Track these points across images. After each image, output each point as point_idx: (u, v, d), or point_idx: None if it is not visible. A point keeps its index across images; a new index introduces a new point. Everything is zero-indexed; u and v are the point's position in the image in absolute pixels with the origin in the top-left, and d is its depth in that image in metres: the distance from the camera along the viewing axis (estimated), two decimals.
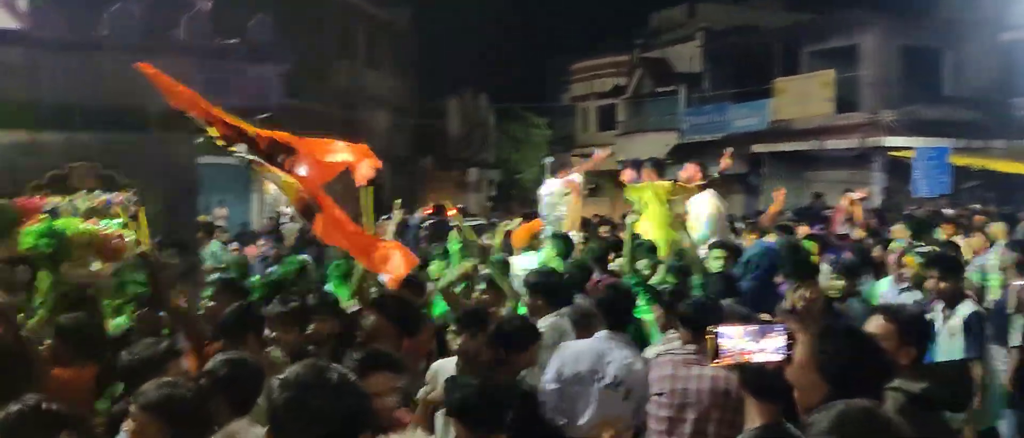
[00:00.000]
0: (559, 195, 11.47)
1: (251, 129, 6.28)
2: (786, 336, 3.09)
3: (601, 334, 5.45)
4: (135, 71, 6.54)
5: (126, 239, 7.85)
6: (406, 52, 38.35)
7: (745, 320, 3.38)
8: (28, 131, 13.38)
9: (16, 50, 11.68)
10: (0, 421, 3.38)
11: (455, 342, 5.32)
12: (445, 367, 5.24)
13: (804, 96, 27.68)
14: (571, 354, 5.37)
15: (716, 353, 3.11)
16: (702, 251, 8.89)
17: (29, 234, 7.79)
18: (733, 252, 8.89)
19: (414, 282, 7.26)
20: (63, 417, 3.47)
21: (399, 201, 8.88)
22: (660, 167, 11.84)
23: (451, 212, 10.72)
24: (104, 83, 10.66)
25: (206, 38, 12.43)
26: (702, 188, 10.70)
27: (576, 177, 11.74)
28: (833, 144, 26.90)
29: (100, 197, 10.44)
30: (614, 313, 5.51)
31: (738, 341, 3.08)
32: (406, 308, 5.70)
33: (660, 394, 4.98)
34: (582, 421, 5.11)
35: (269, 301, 6.24)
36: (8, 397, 3.54)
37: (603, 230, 14.09)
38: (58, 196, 11.18)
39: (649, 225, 9.83)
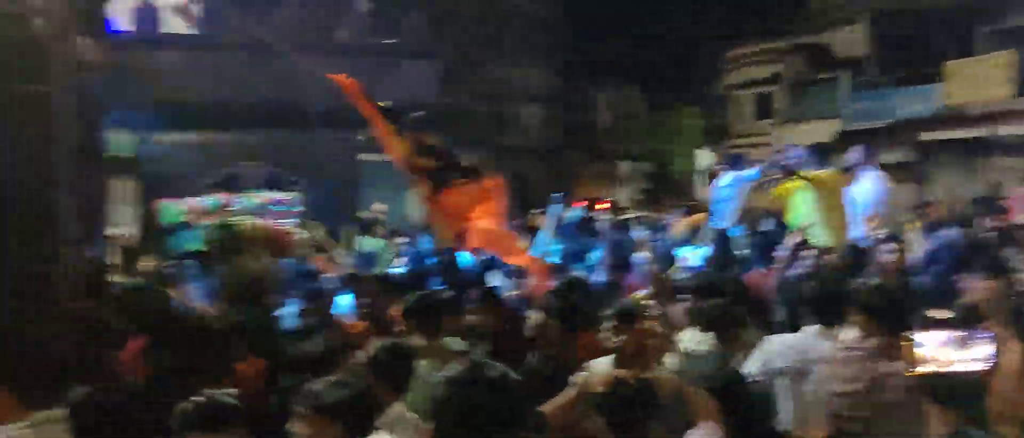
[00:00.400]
0: (732, 188, 11.02)
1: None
2: (992, 343, 2.83)
3: (810, 329, 5.25)
4: (299, 71, 6.72)
5: (296, 235, 8.10)
6: (556, 44, 38.33)
7: (942, 324, 3.11)
8: (201, 132, 14.11)
9: (189, 55, 12.29)
10: (181, 412, 3.48)
11: (611, 339, 5.18)
12: (598, 366, 5.12)
13: (979, 79, 26.04)
14: (777, 348, 5.21)
15: (913, 360, 2.87)
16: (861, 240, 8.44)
17: (207, 229, 8.17)
18: (908, 245, 8.40)
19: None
20: (239, 411, 3.54)
21: (555, 195, 8.77)
22: (824, 155, 11.32)
23: (601, 206, 10.57)
24: (270, 84, 11.05)
25: (364, 38, 12.74)
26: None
27: (754, 172, 11.24)
28: (1011, 130, 25.21)
29: (269, 194, 10.87)
30: (823, 309, 5.26)
31: (938, 348, 2.83)
32: (572, 305, 5.58)
33: (846, 391, 4.70)
34: (786, 416, 4.95)
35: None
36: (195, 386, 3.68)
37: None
38: (230, 193, 11.72)
39: (818, 216, 9.40)
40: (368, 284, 6.99)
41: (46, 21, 5.03)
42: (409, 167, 6.32)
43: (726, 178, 11.39)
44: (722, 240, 8.71)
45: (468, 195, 6.32)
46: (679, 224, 10.50)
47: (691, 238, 9.87)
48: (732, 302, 5.61)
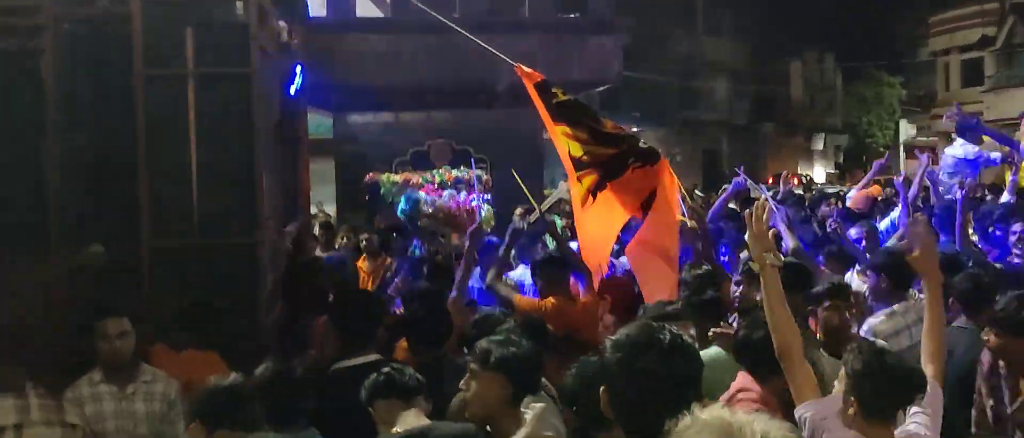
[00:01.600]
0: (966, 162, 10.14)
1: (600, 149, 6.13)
2: None
3: (959, 322, 4.80)
4: (484, 50, 6.72)
5: (481, 211, 8.21)
6: (746, 15, 37.13)
7: None
8: (391, 112, 14.63)
9: (381, 37, 12.69)
10: (372, 382, 3.58)
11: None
12: None
13: None
14: None
15: None
16: None
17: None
18: None
19: None
20: (422, 383, 3.63)
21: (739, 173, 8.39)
22: None
23: (793, 181, 10.06)
24: (457, 63, 11.24)
25: (549, 14, 12.75)
26: None
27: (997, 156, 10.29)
28: None
29: (455, 172, 11.12)
30: (972, 303, 4.81)
31: None
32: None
33: None
34: None
35: None
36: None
37: None
38: (419, 172, 12.08)
39: None
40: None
41: (248, 6, 5.27)
42: (579, 162, 6.06)
43: (957, 147, 10.51)
44: (946, 215, 7.89)
45: (641, 182, 6.02)
46: (857, 197, 9.86)
47: (872, 211, 9.27)
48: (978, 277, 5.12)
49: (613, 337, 2.67)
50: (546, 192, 13.13)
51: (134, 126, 5.26)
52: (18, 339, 4.72)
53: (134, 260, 5.30)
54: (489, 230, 8.56)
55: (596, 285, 5.80)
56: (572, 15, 12.99)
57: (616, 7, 13.70)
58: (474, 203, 8.61)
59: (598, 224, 6.17)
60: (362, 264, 8.69)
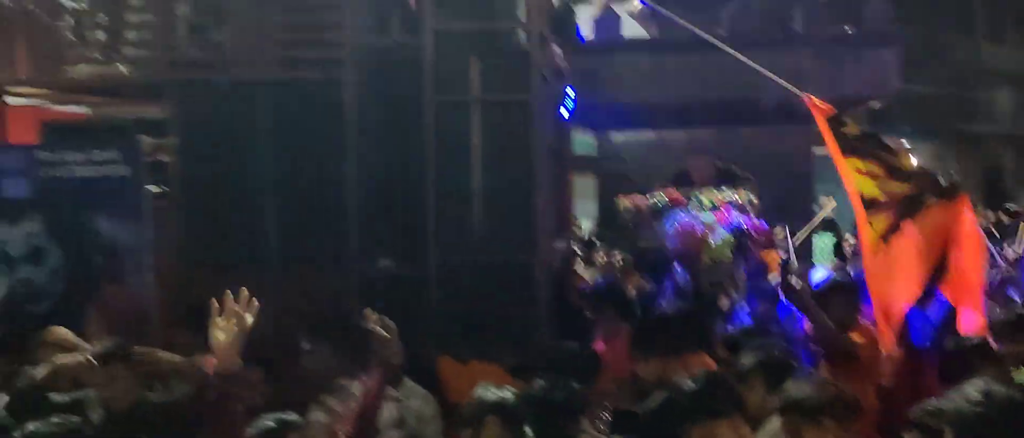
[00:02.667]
0: None
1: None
2: None
3: None
4: (749, 67, 6.56)
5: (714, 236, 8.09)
6: None
7: None
8: (654, 130, 14.65)
9: (645, 56, 12.76)
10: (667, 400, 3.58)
11: None
12: None
13: None
14: None
15: None
16: None
17: None
18: None
19: None
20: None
21: None
22: None
23: None
24: (722, 80, 11.08)
25: (821, 27, 12.30)
26: None
27: None
28: None
29: (719, 193, 10.93)
30: None
31: None
32: None
33: None
34: None
35: None
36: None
37: None
38: (682, 190, 11.98)
39: None
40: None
41: (528, 34, 5.50)
42: (871, 203, 5.65)
43: None
44: None
45: (940, 221, 5.53)
46: None
47: None
48: None
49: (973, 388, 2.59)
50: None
51: (423, 150, 5.63)
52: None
53: (420, 276, 5.66)
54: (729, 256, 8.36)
55: (889, 343, 5.42)
56: (846, 27, 12.44)
57: (895, 15, 12.98)
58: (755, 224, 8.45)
59: (892, 275, 5.69)
60: None
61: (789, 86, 6.01)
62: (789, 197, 7.34)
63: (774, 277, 7.14)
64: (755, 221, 8.54)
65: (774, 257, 8.03)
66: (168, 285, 5.92)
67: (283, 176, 6.06)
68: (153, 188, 6.22)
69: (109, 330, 5.07)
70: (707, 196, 11.08)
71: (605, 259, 9.77)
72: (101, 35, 6.88)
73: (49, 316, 5.51)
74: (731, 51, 6.75)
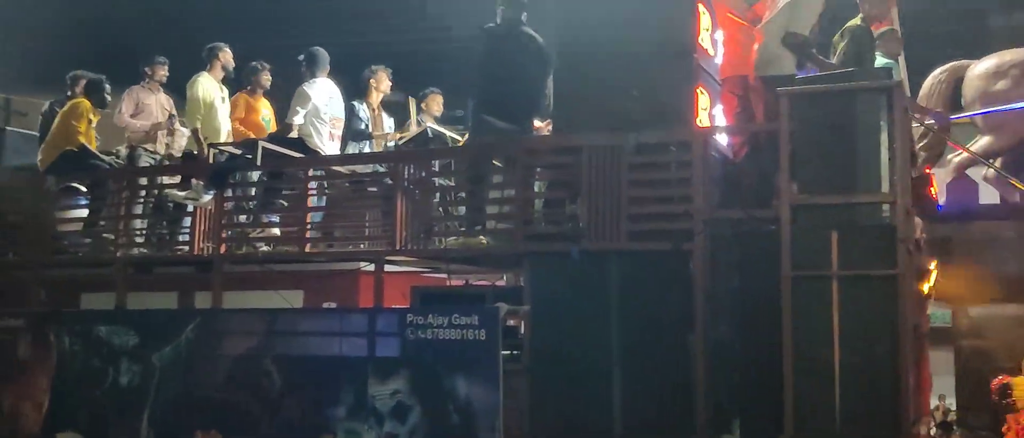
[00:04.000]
0: None
1: None
2: None
3: None
4: None
5: None
6: None
7: None
8: (1021, 304, 13.29)
9: (1007, 224, 11.75)
10: None
11: None
12: None
13: None
14: None
15: None
16: None
17: None
18: None
19: None
20: None
21: None
22: None
23: None
24: None
25: None
26: None
27: None
28: None
29: None
30: None
31: None
32: None
33: None
34: None
35: None
36: None
37: None
38: None
39: None
40: None
41: (895, 208, 5.28)
42: None
43: None
44: None
45: None
46: None
47: None
48: None
49: None
50: None
51: (778, 324, 5.47)
52: None
53: None
54: None
55: None
56: None
57: None
58: None
59: None
60: None
61: None
62: None
63: None
64: None
65: None
66: None
67: (631, 345, 6.13)
68: (506, 353, 6.51)
69: None
70: None
71: None
72: (465, 210, 7.52)
73: None
74: None
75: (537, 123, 7.75)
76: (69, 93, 9.33)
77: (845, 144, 5.58)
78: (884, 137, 5.52)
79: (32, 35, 14.21)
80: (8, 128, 12.11)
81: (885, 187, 5.46)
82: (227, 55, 9.01)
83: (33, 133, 10.34)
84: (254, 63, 9.20)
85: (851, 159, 5.55)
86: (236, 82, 9.23)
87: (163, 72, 9.23)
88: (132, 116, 8.99)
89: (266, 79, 9.15)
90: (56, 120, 8.94)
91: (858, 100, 5.66)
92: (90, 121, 8.79)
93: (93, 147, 8.87)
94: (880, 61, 7.91)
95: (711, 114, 6.60)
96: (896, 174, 5.44)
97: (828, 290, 5.37)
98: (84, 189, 8.81)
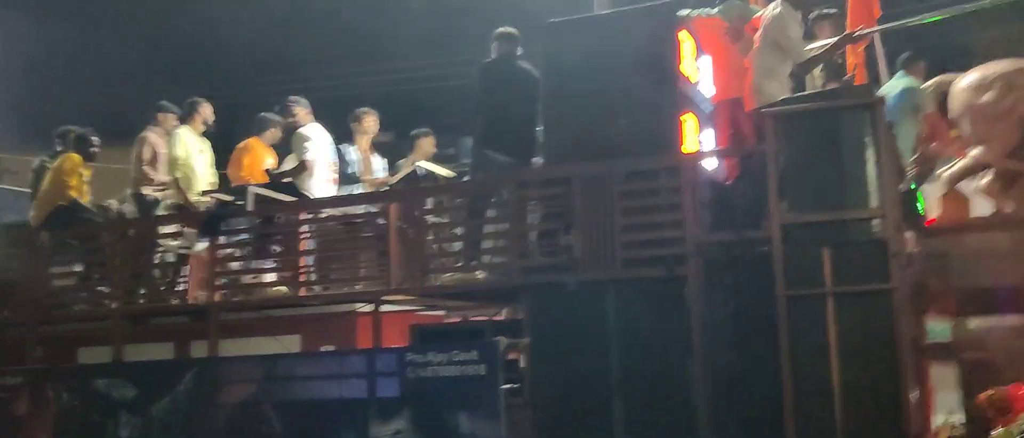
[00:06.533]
0: None
1: None
2: None
3: None
4: None
5: None
6: None
7: None
8: (1021, 314, 13.25)
9: (1003, 235, 11.72)
10: None
11: None
12: None
13: None
14: None
15: None
16: None
17: None
18: None
19: None
20: None
21: None
22: None
23: None
24: None
25: None
26: None
27: None
28: None
29: None
30: None
31: None
32: None
33: None
34: None
35: None
36: None
37: None
38: None
39: None
40: None
41: (885, 223, 5.29)
42: None
43: None
44: None
45: None
46: None
47: None
48: None
49: None
50: None
51: (774, 345, 5.46)
52: None
53: None
54: None
55: None
56: None
57: None
58: None
59: None
60: None
61: None
62: None
63: None
64: None
65: None
66: None
67: (630, 373, 6.12)
68: (507, 386, 6.49)
69: None
70: None
71: None
72: (460, 245, 7.52)
73: None
74: None
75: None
76: (58, 149, 9.35)
77: (832, 161, 5.61)
78: (871, 152, 5.55)
79: (20, 92, 14.30)
80: (0, 186, 12.15)
81: (874, 202, 5.48)
82: (207, 109, 9.07)
83: (25, 190, 10.36)
84: (265, 114, 9.21)
85: (839, 176, 5.58)
86: (245, 131, 9.24)
87: (173, 121, 9.20)
88: (149, 162, 8.99)
89: (274, 134, 9.14)
90: (47, 176, 8.97)
91: (843, 117, 5.71)
92: (81, 175, 8.82)
93: (85, 201, 8.89)
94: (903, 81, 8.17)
95: (699, 139, 6.63)
96: (884, 188, 5.46)
97: (823, 308, 5.37)
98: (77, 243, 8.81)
